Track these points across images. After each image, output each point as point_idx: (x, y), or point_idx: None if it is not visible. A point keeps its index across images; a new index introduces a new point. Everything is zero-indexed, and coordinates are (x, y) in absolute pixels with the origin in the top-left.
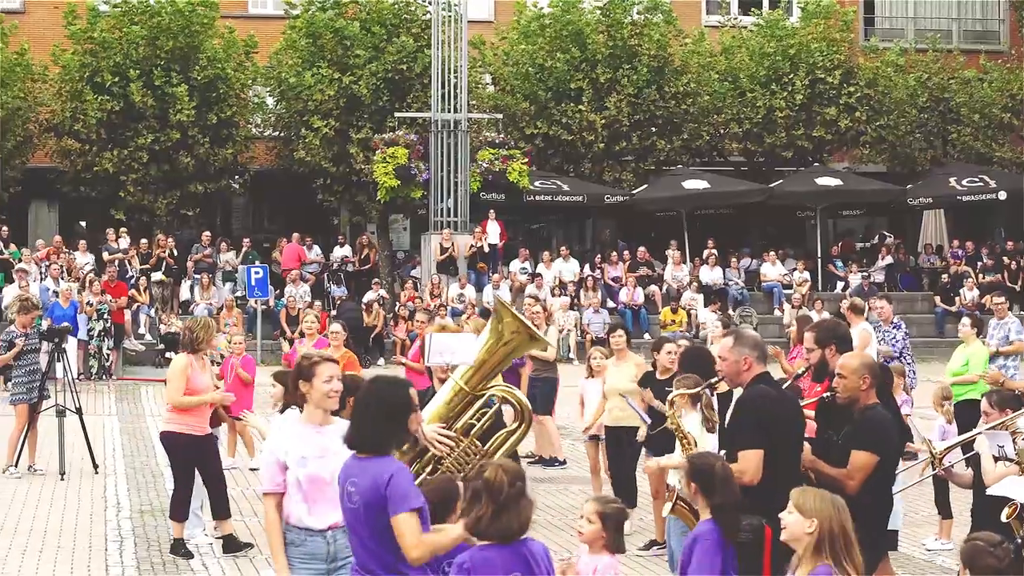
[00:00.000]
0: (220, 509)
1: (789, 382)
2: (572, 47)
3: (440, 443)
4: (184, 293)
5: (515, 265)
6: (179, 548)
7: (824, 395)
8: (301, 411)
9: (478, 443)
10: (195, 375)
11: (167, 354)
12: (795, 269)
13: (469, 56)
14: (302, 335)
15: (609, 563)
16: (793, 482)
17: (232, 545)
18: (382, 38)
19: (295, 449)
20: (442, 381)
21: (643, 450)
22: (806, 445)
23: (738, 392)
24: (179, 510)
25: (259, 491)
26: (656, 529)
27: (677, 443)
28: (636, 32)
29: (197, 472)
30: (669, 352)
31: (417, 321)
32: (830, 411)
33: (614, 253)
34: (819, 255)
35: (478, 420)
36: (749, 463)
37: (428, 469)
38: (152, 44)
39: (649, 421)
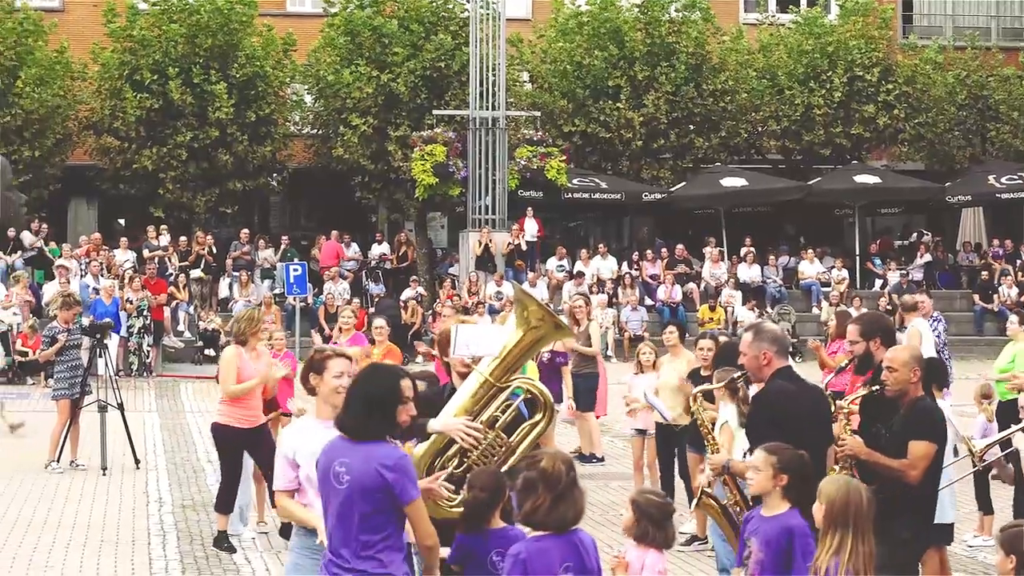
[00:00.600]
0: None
1: (832, 375)
2: (610, 45)
3: (468, 436)
4: (223, 290)
5: (552, 263)
6: (223, 541)
7: (873, 388)
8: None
9: (503, 436)
10: (245, 365)
11: (206, 351)
12: (833, 267)
13: (507, 54)
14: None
15: (656, 559)
16: (820, 474)
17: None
18: (420, 36)
19: (305, 446)
20: (461, 375)
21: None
22: (857, 438)
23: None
24: (225, 502)
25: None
26: (697, 525)
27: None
28: (674, 30)
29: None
30: (701, 348)
31: (443, 316)
32: (877, 405)
33: (651, 251)
34: (857, 253)
35: (502, 412)
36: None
37: (455, 462)
38: (191, 42)
39: (670, 417)
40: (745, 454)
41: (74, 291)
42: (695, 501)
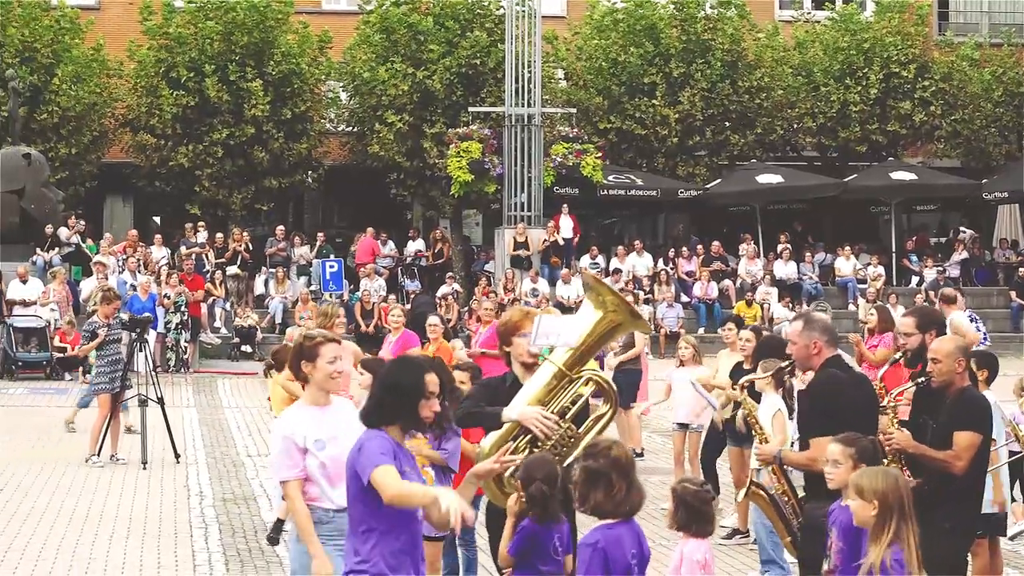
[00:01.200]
0: None
1: (885, 368)
2: (645, 41)
3: (543, 426)
4: (259, 287)
5: (585, 260)
6: (278, 530)
7: (919, 380)
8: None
9: (574, 427)
10: None
11: (242, 347)
12: (869, 264)
13: (542, 51)
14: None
15: (695, 547)
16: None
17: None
18: (456, 33)
19: (311, 433)
20: (525, 366)
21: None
22: (904, 431)
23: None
24: None
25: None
26: (739, 518)
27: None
28: (710, 27)
29: None
30: (741, 340)
31: (484, 309)
32: (926, 397)
33: (687, 248)
34: (893, 250)
35: (572, 403)
36: (822, 450)
37: (525, 452)
38: (227, 39)
39: (718, 406)
40: (793, 443)
41: (113, 286)
42: (744, 491)
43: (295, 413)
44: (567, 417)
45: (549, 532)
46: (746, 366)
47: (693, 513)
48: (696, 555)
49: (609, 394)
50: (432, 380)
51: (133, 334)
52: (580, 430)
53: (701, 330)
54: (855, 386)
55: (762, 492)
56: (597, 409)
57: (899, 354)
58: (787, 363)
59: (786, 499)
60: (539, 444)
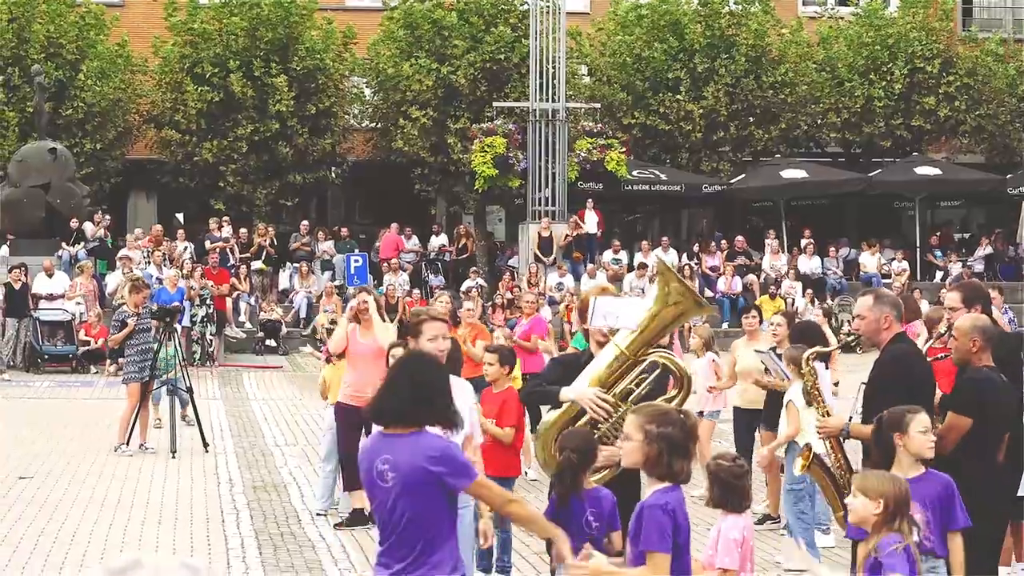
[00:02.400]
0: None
1: (931, 342)
2: (670, 37)
3: (599, 407)
4: (283, 282)
5: (607, 256)
6: (359, 518)
7: (938, 356)
8: None
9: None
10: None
11: (267, 342)
12: (893, 259)
13: (566, 47)
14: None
15: (732, 524)
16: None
17: (358, 519)
18: (480, 28)
19: None
20: (600, 345)
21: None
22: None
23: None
24: (349, 479)
25: None
26: (770, 504)
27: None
28: (734, 22)
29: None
30: (772, 323)
31: (526, 302)
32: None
33: (712, 243)
34: (917, 245)
35: (637, 386)
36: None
37: None
38: (251, 35)
39: (791, 378)
40: (851, 417)
41: (141, 275)
42: (804, 464)
43: None
44: (630, 399)
45: (580, 504)
46: (779, 351)
47: (728, 488)
48: (733, 533)
49: (680, 378)
50: (444, 375)
51: (162, 323)
52: None
53: (725, 325)
54: (922, 361)
55: (821, 468)
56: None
57: (944, 328)
58: (854, 337)
59: (841, 472)
60: (599, 425)
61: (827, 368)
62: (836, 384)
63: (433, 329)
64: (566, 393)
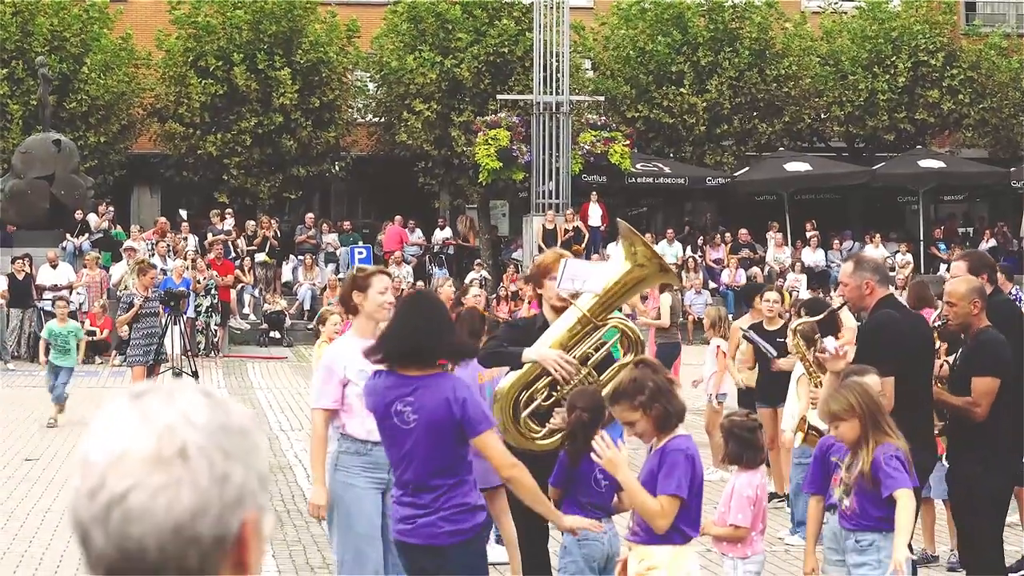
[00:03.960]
0: None
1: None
2: (673, 30)
3: (562, 368)
4: (287, 274)
5: (611, 248)
6: None
7: (937, 324)
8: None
9: (595, 373)
10: None
11: (271, 333)
12: (897, 252)
13: (570, 41)
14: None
15: (746, 481)
16: (925, 403)
17: None
18: (483, 21)
19: (353, 363)
20: (555, 310)
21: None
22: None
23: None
24: None
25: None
26: (775, 482)
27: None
28: (737, 15)
29: None
30: (767, 300)
31: (529, 295)
32: (956, 339)
33: (716, 235)
34: (921, 238)
35: (595, 351)
36: (883, 390)
37: (544, 394)
38: (255, 28)
39: (775, 353)
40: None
41: (147, 258)
42: (802, 436)
43: (340, 344)
44: (589, 363)
45: (590, 464)
46: (767, 327)
47: (742, 443)
48: (747, 491)
49: (634, 343)
50: (447, 312)
51: (169, 307)
52: (602, 377)
53: (729, 317)
54: (911, 325)
55: (816, 435)
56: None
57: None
58: (840, 304)
59: None
60: (558, 387)
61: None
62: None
63: (382, 282)
64: (528, 354)
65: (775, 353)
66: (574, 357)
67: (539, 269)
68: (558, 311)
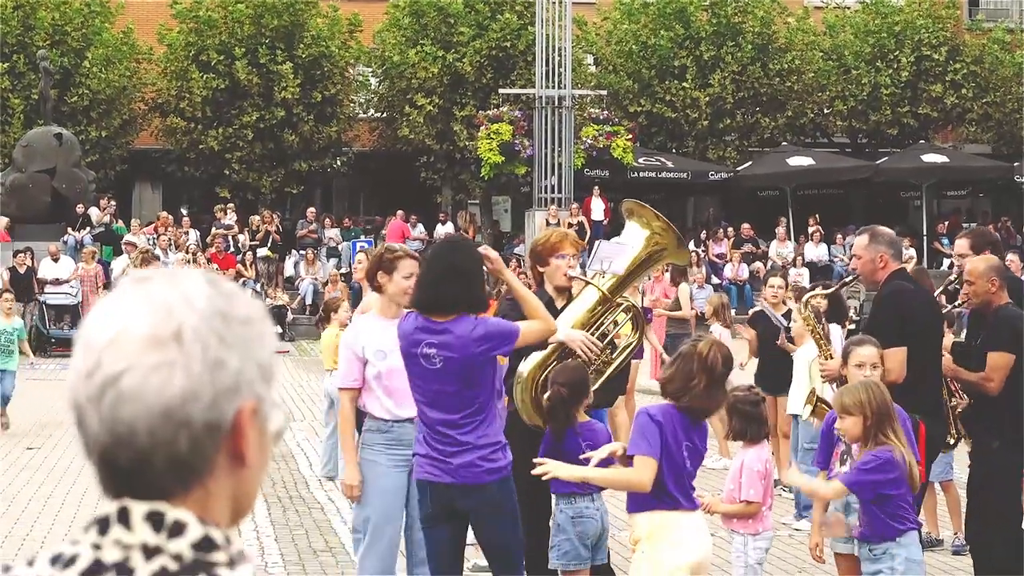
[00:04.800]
0: None
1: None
2: (676, 24)
3: (588, 349)
4: (288, 269)
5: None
6: None
7: (954, 305)
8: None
9: (609, 351)
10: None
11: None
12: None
13: (572, 35)
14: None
15: (754, 456)
16: (936, 377)
17: None
18: (485, 15)
19: (372, 343)
20: (558, 289)
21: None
22: (946, 355)
23: None
24: None
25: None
26: (777, 468)
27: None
28: (740, 9)
29: None
30: (771, 286)
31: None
32: (977, 318)
33: (719, 230)
34: (924, 233)
35: (610, 329)
36: (894, 361)
37: None
38: (257, 22)
39: (787, 325)
40: None
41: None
42: (810, 408)
43: (362, 323)
44: (604, 342)
45: (575, 438)
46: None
47: (746, 418)
48: (756, 465)
49: (641, 324)
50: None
51: None
52: (613, 355)
53: (732, 312)
54: (923, 298)
55: (825, 407)
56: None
57: (953, 276)
58: (852, 277)
59: None
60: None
61: (843, 329)
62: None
63: (408, 267)
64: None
65: (787, 325)
66: (596, 336)
67: (545, 247)
68: (560, 291)
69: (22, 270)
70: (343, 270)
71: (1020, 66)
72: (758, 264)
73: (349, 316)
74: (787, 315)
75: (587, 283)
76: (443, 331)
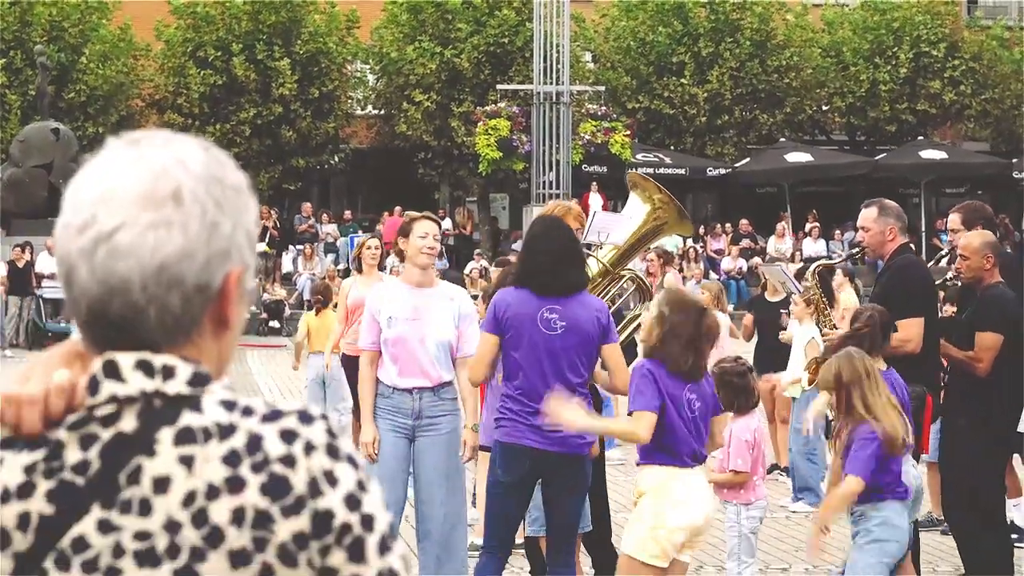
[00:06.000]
0: None
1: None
2: (674, 21)
3: None
4: (286, 265)
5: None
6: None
7: (946, 279)
8: None
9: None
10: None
11: (270, 323)
12: None
13: (570, 31)
14: None
15: (743, 426)
16: (938, 352)
17: None
18: (483, 12)
19: (386, 309)
20: None
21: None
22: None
23: None
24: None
25: None
26: (775, 453)
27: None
28: (738, 6)
29: None
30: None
31: None
32: (966, 292)
33: (717, 225)
34: (923, 229)
35: (612, 302)
36: (911, 331)
37: None
38: (254, 18)
39: (800, 288)
40: None
41: None
42: (808, 376)
43: (386, 287)
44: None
45: None
46: (769, 298)
47: (734, 389)
48: (745, 435)
49: (647, 295)
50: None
51: None
52: (618, 327)
53: (731, 307)
54: (928, 272)
55: None
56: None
57: (945, 251)
58: (859, 249)
59: None
60: None
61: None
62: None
63: (424, 227)
64: None
65: (800, 288)
66: None
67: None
68: None
69: (20, 264)
70: (341, 265)
71: (1019, 63)
72: (756, 260)
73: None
74: (785, 302)
75: (588, 255)
76: (564, 303)
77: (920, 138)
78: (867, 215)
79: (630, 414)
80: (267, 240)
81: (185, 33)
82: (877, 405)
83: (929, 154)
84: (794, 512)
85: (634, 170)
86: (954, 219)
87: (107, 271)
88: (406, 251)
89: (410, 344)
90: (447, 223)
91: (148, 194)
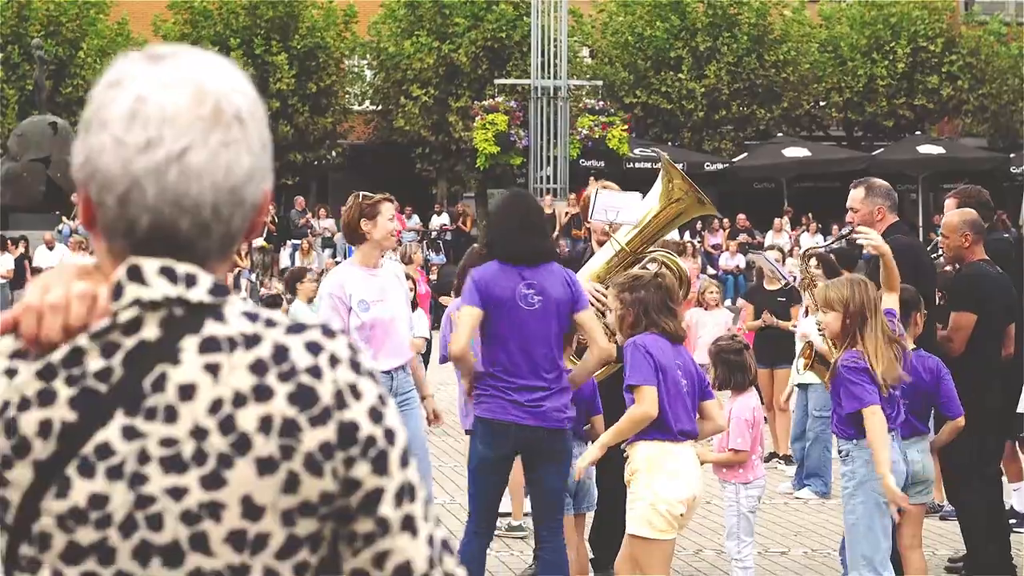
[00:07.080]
0: None
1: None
2: (671, 15)
3: (596, 302)
4: (284, 260)
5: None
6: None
7: (936, 256)
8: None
9: None
10: None
11: None
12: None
13: (568, 26)
14: None
15: (742, 405)
16: (931, 329)
17: None
18: (481, 6)
19: (356, 292)
20: (599, 243)
21: None
22: None
23: None
24: None
25: None
26: (774, 441)
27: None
28: (735, 1)
29: None
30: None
31: None
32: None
33: (715, 220)
34: (920, 224)
35: None
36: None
37: None
38: (252, 13)
39: (788, 278)
40: None
41: None
42: (808, 364)
43: (344, 271)
44: None
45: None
46: (767, 286)
47: (731, 366)
48: (744, 414)
49: (679, 278)
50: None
51: None
52: None
53: (728, 301)
54: (923, 250)
55: (822, 363)
56: None
57: (935, 242)
58: (847, 230)
59: None
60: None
61: None
62: None
63: (391, 210)
64: None
65: (788, 279)
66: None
67: (584, 206)
68: (602, 244)
69: (14, 257)
70: (338, 260)
71: (1016, 58)
72: (753, 255)
73: (315, 289)
74: (782, 291)
75: (610, 237)
76: (535, 274)
77: (918, 133)
78: (855, 195)
79: (628, 388)
80: (264, 236)
81: (182, 28)
82: (875, 339)
83: (926, 149)
84: (799, 498)
85: (634, 164)
86: (950, 204)
87: (180, 191)
88: (371, 233)
89: (386, 325)
90: (444, 218)
91: (213, 115)
